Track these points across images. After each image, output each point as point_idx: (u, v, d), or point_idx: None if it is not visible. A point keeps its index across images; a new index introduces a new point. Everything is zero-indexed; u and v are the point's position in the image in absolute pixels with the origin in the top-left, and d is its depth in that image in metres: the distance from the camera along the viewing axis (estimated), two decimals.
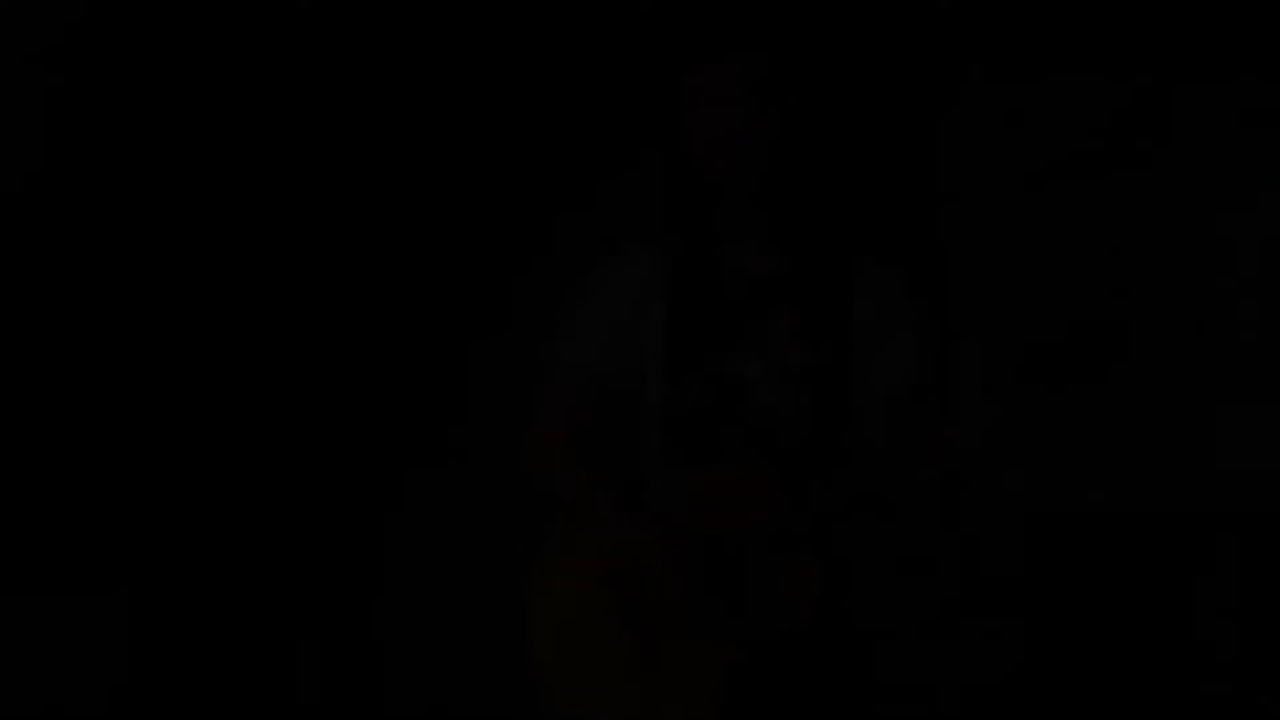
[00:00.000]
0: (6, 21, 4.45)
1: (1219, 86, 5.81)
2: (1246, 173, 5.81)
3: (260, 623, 5.70)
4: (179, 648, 5.35)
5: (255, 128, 4.93)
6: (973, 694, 5.95)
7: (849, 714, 3.16)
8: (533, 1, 5.16)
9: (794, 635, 3.04)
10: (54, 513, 4.96)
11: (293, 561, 5.84)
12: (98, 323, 4.93)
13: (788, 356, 3.15)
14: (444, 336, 6.22)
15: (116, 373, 5.07)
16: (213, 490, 5.49)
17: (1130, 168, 5.84)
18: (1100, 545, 5.89)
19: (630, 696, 3.10)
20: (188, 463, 5.39)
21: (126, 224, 4.92)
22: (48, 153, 4.82)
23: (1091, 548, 5.89)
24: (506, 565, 3.39)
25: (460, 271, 5.99)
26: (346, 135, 5.17)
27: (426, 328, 6.07)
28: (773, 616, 3.04)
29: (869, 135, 5.87)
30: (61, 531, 5.05)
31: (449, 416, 6.34)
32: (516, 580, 3.31)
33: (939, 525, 5.93)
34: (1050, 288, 5.85)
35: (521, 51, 5.28)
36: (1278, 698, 5.72)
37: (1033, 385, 2.96)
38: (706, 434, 3.15)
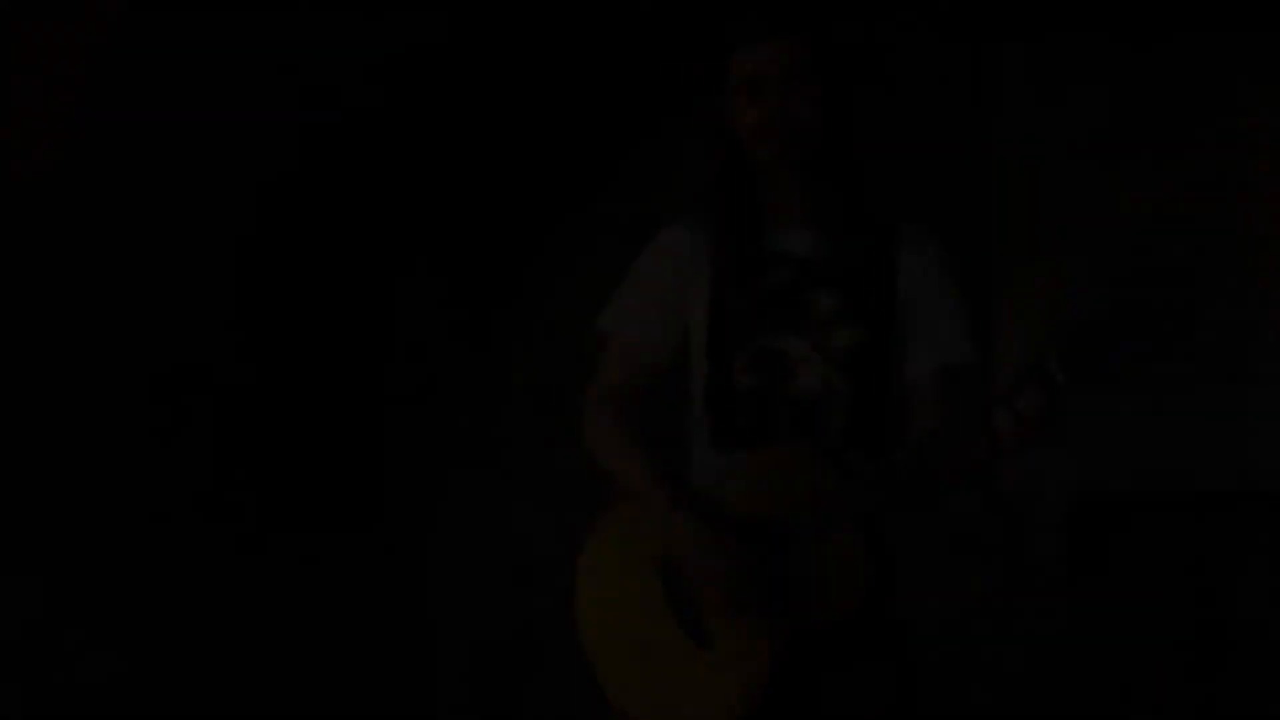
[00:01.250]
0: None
1: None
2: None
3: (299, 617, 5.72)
4: (217, 645, 5.37)
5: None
6: (1017, 678, 5.93)
7: (894, 697, 3.14)
8: None
9: (840, 619, 3.02)
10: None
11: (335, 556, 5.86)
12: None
13: (831, 337, 3.13)
14: (479, 324, 6.22)
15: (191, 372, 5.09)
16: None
17: (1184, 143, 5.81)
18: (1144, 527, 5.86)
19: (677, 679, 3.09)
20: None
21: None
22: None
23: (1135, 530, 5.87)
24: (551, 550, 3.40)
25: (491, 258, 5.99)
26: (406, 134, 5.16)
27: (462, 317, 6.08)
28: (819, 600, 3.02)
29: (913, 110, 5.85)
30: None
31: (490, 409, 6.36)
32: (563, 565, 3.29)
33: (983, 508, 5.91)
34: (1099, 265, 5.82)
35: (560, 33, 5.26)
36: None
37: (1078, 367, 2.92)
38: (752, 414, 3.13)
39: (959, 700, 5.91)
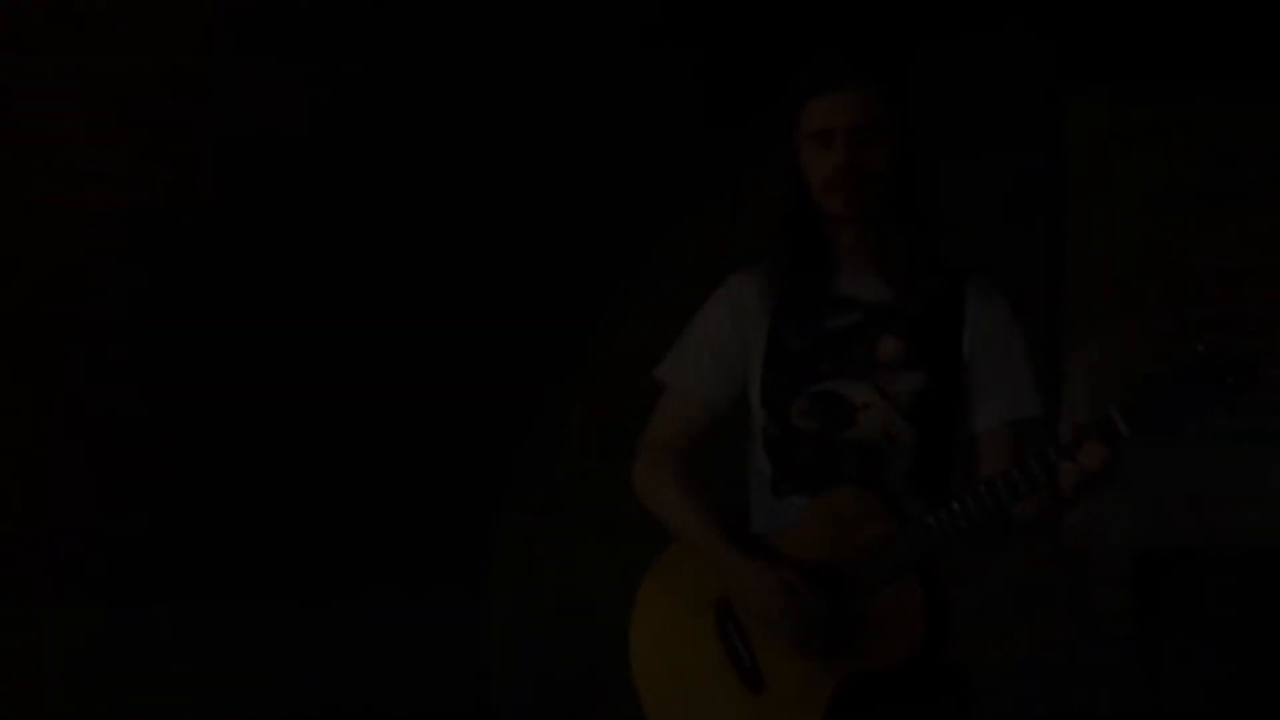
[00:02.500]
0: None
1: None
2: None
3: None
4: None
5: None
6: None
7: None
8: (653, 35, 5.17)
9: (895, 664, 3.00)
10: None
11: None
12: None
13: (894, 383, 3.12)
14: (539, 364, 6.24)
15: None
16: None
17: (1255, 197, 5.76)
18: (1210, 579, 5.81)
19: None
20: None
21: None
22: None
23: (1200, 582, 5.81)
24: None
25: (557, 299, 5.99)
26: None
27: (522, 355, 6.09)
28: (875, 645, 3.01)
29: (988, 158, 5.84)
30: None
31: (551, 450, 6.37)
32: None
33: (1049, 558, 5.87)
34: (1170, 319, 5.78)
35: (634, 73, 5.28)
36: None
37: (1141, 420, 2.90)
38: (812, 459, 3.12)
39: None
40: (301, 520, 5.39)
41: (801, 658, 3.03)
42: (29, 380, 4.51)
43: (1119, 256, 5.83)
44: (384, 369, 5.43)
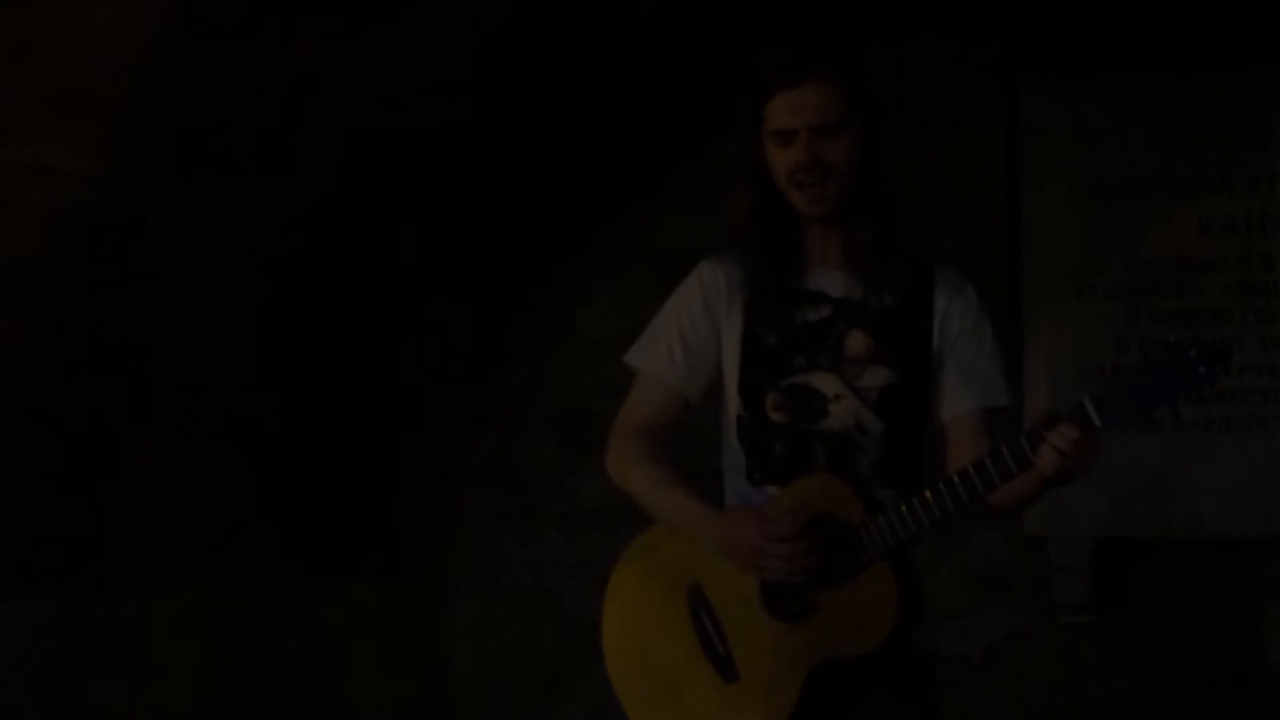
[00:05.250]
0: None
1: None
2: None
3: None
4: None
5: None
6: (1041, 714, 5.91)
7: None
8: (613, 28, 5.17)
9: (868, 651, 3.01)
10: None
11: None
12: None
13: (863, 376, 3.13)
14: (499, 354, 6.23)
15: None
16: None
17: (1210, 187, 5.79)
18: (1169, 569, 5.84)
19: (704, 711, 3.09)
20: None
21: None
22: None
23: (1160, 571, 5.84)
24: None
25: (516, 289, 5.99)
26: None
27: (482, 346, 6.09)
28: (848, 632, 3.01)
29: (944, 150, 5.85)
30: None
31: (512, 437, 6.36)
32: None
33: (1009, 546, 5.90)
34: (1129, 308, 5.80)
35: (598, 61, 5.28)
36: None
37: (1115, 409, 2.91)
38: (784, 450, 3.13)
39: None
40: (260, 512, 5.38)
41: (805, 577, 3.02)
42: None
43: (1076, 245, 5.85)
44: (341, 358, 5.41)
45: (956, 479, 2.97)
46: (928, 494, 2.99)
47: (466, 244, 5.56)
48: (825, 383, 3.14)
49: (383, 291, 5.43)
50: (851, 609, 3.03)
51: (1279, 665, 5.81)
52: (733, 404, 3.21)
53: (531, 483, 6.35)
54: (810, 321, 3.16)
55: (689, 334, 3.23)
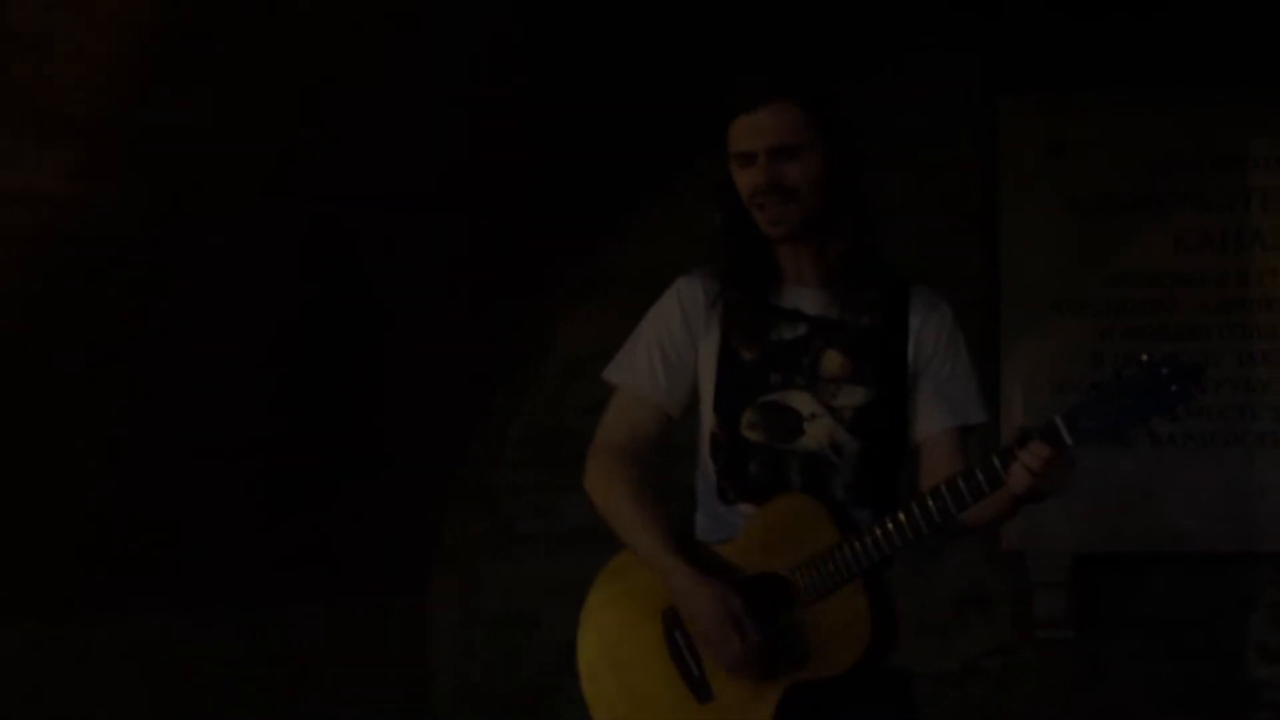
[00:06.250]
0: None
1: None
2: None
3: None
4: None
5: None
6: None
7: None
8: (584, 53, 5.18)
9: (842, 671, 3.01)
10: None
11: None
12: None
13: (839, 396, 3.13)
14: (478, 376, 6.23)
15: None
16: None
17: (1185, 203, 5.81)
18: (1148, 584, 5.85)
19: None
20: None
21: None
22: None
23: (1139, 587, 5.85)
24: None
25: (493, 310, 5.98)
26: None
27: (460, 367, 6.08)
28: (822, 653, 3.01)
29: (921, 167, 5.86)
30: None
31: (491, 456, 6.36)
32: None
33: (988, 562, 5.90)
34: (1098, 323, 5.82)
35: (574, 81, 5.28)
36: None
37: (1087, 427, 2.91)
38: (759, 469, 3.13)
39: None
40: (242, 532, 5.36)
41: (745, 676, 3.04)
42: None
43: (1052, 262, 5.86)
44: (323, 381, 5.41)
45: (929, 498, 2.97)
46: (901, 513, 2.99)
47: (446, 262, 5.56)
48: (801, 401, 3.14)
49: (363, 311, 5.42)
50: (825, 629, 3.03)
51: (1258, 680, 5.83)
52: (707, 421, 3.20)
53: (511, 503, 6.34)
54: (786, 340, 3.16)
55: (669, 348, 3.23)
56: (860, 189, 3.19)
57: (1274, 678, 5.82)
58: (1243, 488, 5.72)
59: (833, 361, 3.15)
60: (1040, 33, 5.84)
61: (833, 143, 3.15)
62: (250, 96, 4.47)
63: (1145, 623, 5.84)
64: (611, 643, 3.19)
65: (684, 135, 5.25)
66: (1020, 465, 2.89)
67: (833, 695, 3.05)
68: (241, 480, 5.29)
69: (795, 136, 3.11)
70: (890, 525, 2.99)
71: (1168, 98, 5.80)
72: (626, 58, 5.32)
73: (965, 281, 5.50)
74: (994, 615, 5.96)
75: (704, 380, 3.21)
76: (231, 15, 4.20)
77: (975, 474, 2.94)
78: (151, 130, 4.31)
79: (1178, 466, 5.71)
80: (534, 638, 6.22)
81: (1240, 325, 5.77)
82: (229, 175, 4.64)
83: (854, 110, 3.24)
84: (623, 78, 5.38)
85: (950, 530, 3.08)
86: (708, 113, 3.34)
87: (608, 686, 3.18)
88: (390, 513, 6.03)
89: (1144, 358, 2.88)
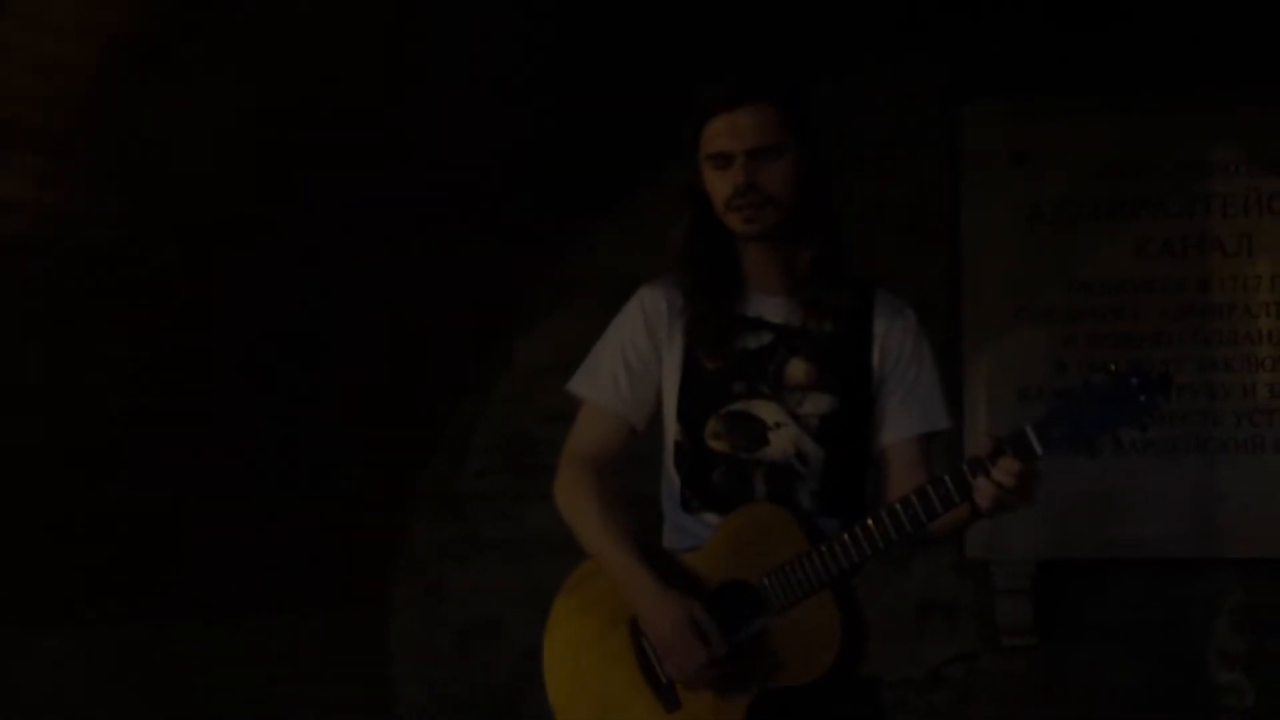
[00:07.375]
0: None
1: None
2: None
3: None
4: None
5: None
6: None
7: None
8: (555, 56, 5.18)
9: (811, 680, 3.00)
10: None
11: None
12: None
13: (804, 406, 3.12)
14: (441, 383, 6.21)
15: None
16: None
17: (1146, 209, 5.83)
18: (1111, 591, 5.86)
19: None
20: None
21: None
22: None
23: (1102, 593, 5.87)
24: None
25: (457, 318, 5.97)
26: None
27: (423, 374, 6.07)
28: (791, 662, 3.01)
29: (882, 173, 5.87)
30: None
31: (455, 465, 6.34)
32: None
33: (951, 570, 5.91)
34: (1061, 330, 5.83)
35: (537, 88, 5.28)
36: None
37: (1057, 437, 2.91)
38: (724, 478, 3.13)
39: None
40: (205, 542, 5.34)
41: (708, 689, 3.03)
42: None
43: (1014, 268, 5.87)
44: (286, 388, 5.39)
45: (899, 507, 2.97)
46: (870, 522, 2.98)
47: (409, 269, 5.55)
48: (766, 410, 3.13)
49: (324, 319, 5.41)
50: (794, 638, 3.02)
51: (1221, 686, 5.85)
52: (671, 430, 3.20)
53: (475, 511, 6.33)
54: (750, 349, 3.15)
55: (633, 360, 3.22)
56: (830, 192, 3.19)
57: (1236, 683, 5.85)
58: (1205, 494, 5.74)
59: (798, 369, 3.14)
60: (1002, 41, 5.85)
61: (806, 144, 3.15)
62: (219, 104, 4.46)
63: (1108, 629, 5.86)
64: (577, 650, 3.18)
65: (647, 143, 5.25)
66: (989, 480, 2.89)
67: (802, 704, 3.05)
68: (205, 489, 5.27)
69: (774, 137, 3.11)
70: (860, 533, 2.98)
71: (1128, 105, 5.81)
72: (589, 65, 5.31)
73: (927, 288, 5.51)
74: (958, 623, 5.97)
75: (668, 390, 3.20)
76: (199, 21, 4.19)
77: (945, 483, 2.94)
78: (122, 138, 4.29)
79: (1140, 473, 5.72)
80: (499, 645, 6.21)
81: (1201, 331, 5.79)
82: (199, 183, 4.62)
83: (819, 113, 3.25)
84: (586, 86, 5.38)
85: (916, 538, 3.08)
86: (671, 118, 3.32)
87: (575, 696, 3.17)
88: (354, 520, 6.01)
89: (1112, 367, 2.88)
